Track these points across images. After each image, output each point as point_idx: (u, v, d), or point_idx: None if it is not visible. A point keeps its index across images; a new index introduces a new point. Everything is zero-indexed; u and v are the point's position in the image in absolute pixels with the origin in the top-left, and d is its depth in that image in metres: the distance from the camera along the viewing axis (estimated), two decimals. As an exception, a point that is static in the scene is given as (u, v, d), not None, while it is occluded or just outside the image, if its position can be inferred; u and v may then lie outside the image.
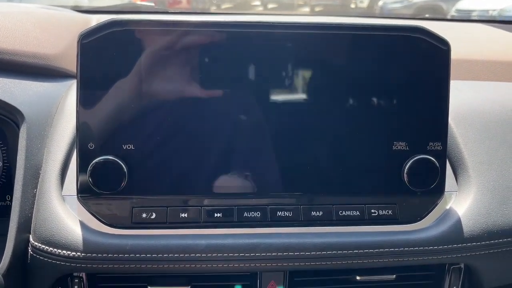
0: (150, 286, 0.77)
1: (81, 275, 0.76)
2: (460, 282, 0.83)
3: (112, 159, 0.71)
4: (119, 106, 0.71)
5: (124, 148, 0.72)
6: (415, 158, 0.75)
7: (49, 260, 0.71)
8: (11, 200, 0.83)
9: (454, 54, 0.77)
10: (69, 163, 0.79)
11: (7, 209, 0.77)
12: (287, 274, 0.79)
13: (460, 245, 0.77)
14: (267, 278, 0.79)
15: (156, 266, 0.72)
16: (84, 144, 0.71)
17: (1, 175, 0.85)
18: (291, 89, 0.74)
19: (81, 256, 0.71)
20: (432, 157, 0.76)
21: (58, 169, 0.77)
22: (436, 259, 0.77)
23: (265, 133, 0.74)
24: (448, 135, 0.79)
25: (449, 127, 0.79)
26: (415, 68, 0.75)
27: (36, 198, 0.76)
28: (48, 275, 0.73)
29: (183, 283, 0.78)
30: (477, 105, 0.92)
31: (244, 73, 0.73)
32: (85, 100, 0.71)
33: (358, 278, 0.80)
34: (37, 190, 0.77)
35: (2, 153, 0.85)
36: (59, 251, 0.71)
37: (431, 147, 0.77)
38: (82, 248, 0.71)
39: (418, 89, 0.75)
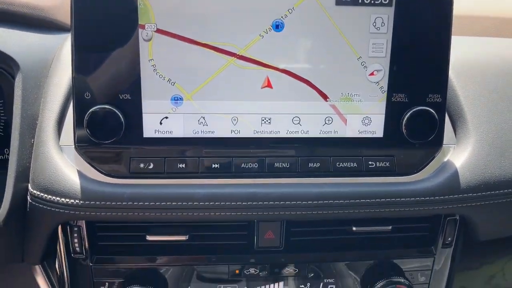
0: (149, 235, 0.78)
1: (80, 223, 0.77)
2: (455, 234, 0.84)
3: (109, 108, 0.70)
4: (115, 55, 0.70)
5: (121, 97, 0.71)
6: (414, 110, 0.75)
7: (48, 208, 0.72)
8: (10, 154, 0.84)
9: (457, 10, 0.75)
10: (66, 114, 0.78)
11: (6, 163, 0.77)
12: (284, 224, 0.80)
13: (457, 196, 0.77)
14: (264, 228, 0.80)
15: (154, 214, 0.73)
16: (80, 94, 0.71)
17: (-1, 127, 0.85)
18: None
19: (80, 203, 0.71)
20: (431, 109, 0.75)
21: (55, 119, 0.77)
22: (432, 210, 0.78)
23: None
24: (448, 87, 0.78)
25: (449, 79, 0.79)
26: (416, 18, 0.73)
27: (33, 148, 0.76)
28: (47, 223, 0.74)
29: (181, 232, 0.79)
30: (477, 58, 0.91)
31: None
32: (80, 50, 0.70)
33: (354, 229, 0.81)
34: (35, 140, 0.77)
35: None
36: (58, 198, 0.71)
37: (430, 99, 0.76)
38: (80, 195, 0.71)
39: (419, 41, 0.74)
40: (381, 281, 0.81)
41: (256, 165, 0.76)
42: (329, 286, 0.84)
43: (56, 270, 0.81)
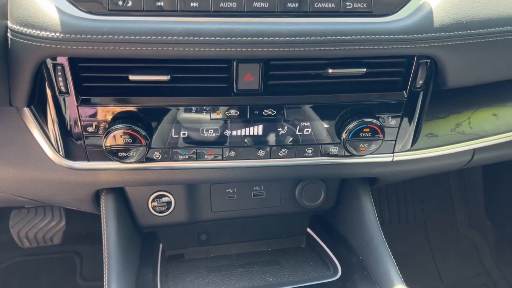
0: (131, 75, 0.81)
1: (62, 61, 0.78)
2: (426, 79, 0.88)
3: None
4: None
5: None
6: None
7: (29, 42, 0.73)
8: None
9: None
10: None
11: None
12: (262, 66, 0.83)
13: (430, 34, 0.79)
14: (243, 70, 0.83)
15: (134, 49, 0.74)
16: None
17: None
18: None
19: (60, 37, 0.72)
20: None
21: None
22: (406, 49, 0.80)
23: None
24: None
25: None
26: None
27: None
28: (29, 60, 0.75)
29: (163, 72, 0.81)
30: None
31: None
32: None
33: (330, 71, 0.84)
34: None
35: None
36: (38, 32, 0.72)
37: None
38: (60, 29, 0.72)
39: None
40: (353, 121, 0.87)
41: (234, 4, 0.76)
42: (305, 129, 0.90)
43: (46, 113, 0.84)
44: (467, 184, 2.21)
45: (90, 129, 0.85)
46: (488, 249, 2.15)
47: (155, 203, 1.01)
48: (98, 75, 0.81)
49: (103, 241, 0.94)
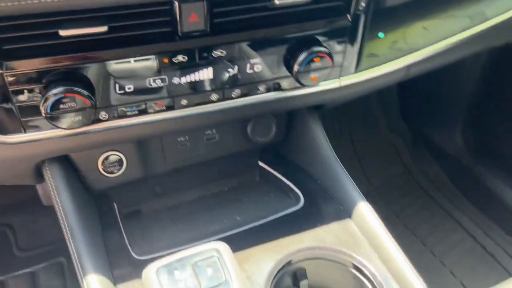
0: (62, 30, 0.71)
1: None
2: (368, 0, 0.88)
3: None
4: None
5: None
6: None
7: None
8: None
9: None
10: None
11: None
12: (206, 3, 0.77)
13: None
14: (186, 10, 0.76)
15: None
16: None
17: None
18: None
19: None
20: None
21: None
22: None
23: None
24: None
25: None
26: None
27: None
28: None
29: (99, 23, 0.72)
30: None
31: None
32: None
33: (276, 1, 0.80)
34: None
35: None
36: None
37: None
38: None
39: None
40: (303, 52, 0.86)
41: None
42: (256, 66, 0.87)
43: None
44: (384, 93, 2.36)
45: (22, 97, 0.75)
46: (406, 149, 2.37)
47: (105, 165, 0.95)
48: (23, 34, 0.70)
49: (58, 215, 0.87)
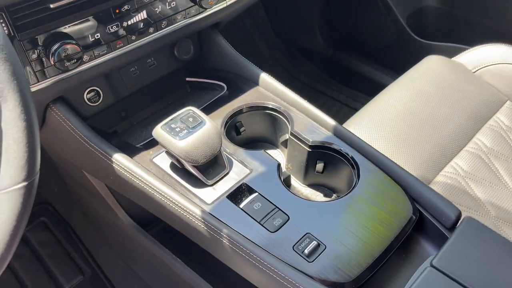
0: (52, 3, 1.10)
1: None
2: None
3: None
4: None
5: None
6: None
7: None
8: None
9: None
10: None
11: None
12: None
13: None
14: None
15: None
16: None
17: None
18: None
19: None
20: None
21: None
22: None
23: None
24: None
25: None
26: None
27: None
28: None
29: (73, -6, 1.12)
30: None
31: None
32: None
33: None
34: None
35: None
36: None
37: None
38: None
39: None
40: (200, -14, 1.33)
41: None
42: (172, 2, 1.32)
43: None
44: (256, 18, 2.90)
45: (34, 56, 1.13)
46: (284, 58, 2.97)
47: (89, 98, 1.36)
48: (28, 12, 1.08)
49: (74, 137, 1.27)
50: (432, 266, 0.95)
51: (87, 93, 1.36)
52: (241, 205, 1.12)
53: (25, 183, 0.75)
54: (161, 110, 1.56)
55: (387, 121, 1.66)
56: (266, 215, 1.09)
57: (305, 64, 2.92)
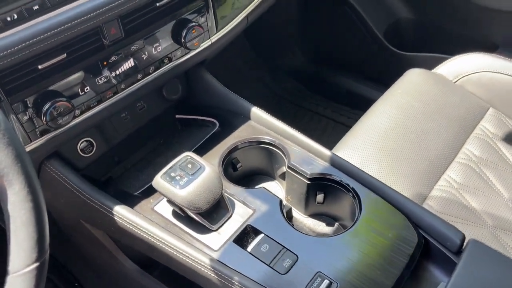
0: (40, 64, 1.09)
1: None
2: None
3: None
4: None
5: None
6: None
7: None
8: None
9: None
10: None
11: None
12: (119, 20, 1.19)
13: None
14: (108, 28, 1.18)
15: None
16: None
17: None
18: None
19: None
20: None
21: None
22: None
23: None
24: None
25: None
26: None
27: None
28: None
29: (60, 53, 1.11)
30: None
31: None
32: None
33: (157, 4, 1.26)
34: None
35: None
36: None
37: None
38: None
39: None
40: (184, 29, 1.33)
41: None
42: (157, 47, 1.32)
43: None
44: (238, 44, 2.92)
45: (25, 117, 1.12)
46: (268, 76, 2.99)
47: (82, 149, 1.35)
48: (17, 75, 1.07)
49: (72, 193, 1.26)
50: (447, 293, 0.97)
51: (80, 144, 1.35)
52: (249, 249, 1.12)
53: (36, 264, 0.74)
54: (154, 151, 1.55)
55: (377, 141, 1.68)
56: (275, 256, 1.09)
57: (289, 82, 2.95)
